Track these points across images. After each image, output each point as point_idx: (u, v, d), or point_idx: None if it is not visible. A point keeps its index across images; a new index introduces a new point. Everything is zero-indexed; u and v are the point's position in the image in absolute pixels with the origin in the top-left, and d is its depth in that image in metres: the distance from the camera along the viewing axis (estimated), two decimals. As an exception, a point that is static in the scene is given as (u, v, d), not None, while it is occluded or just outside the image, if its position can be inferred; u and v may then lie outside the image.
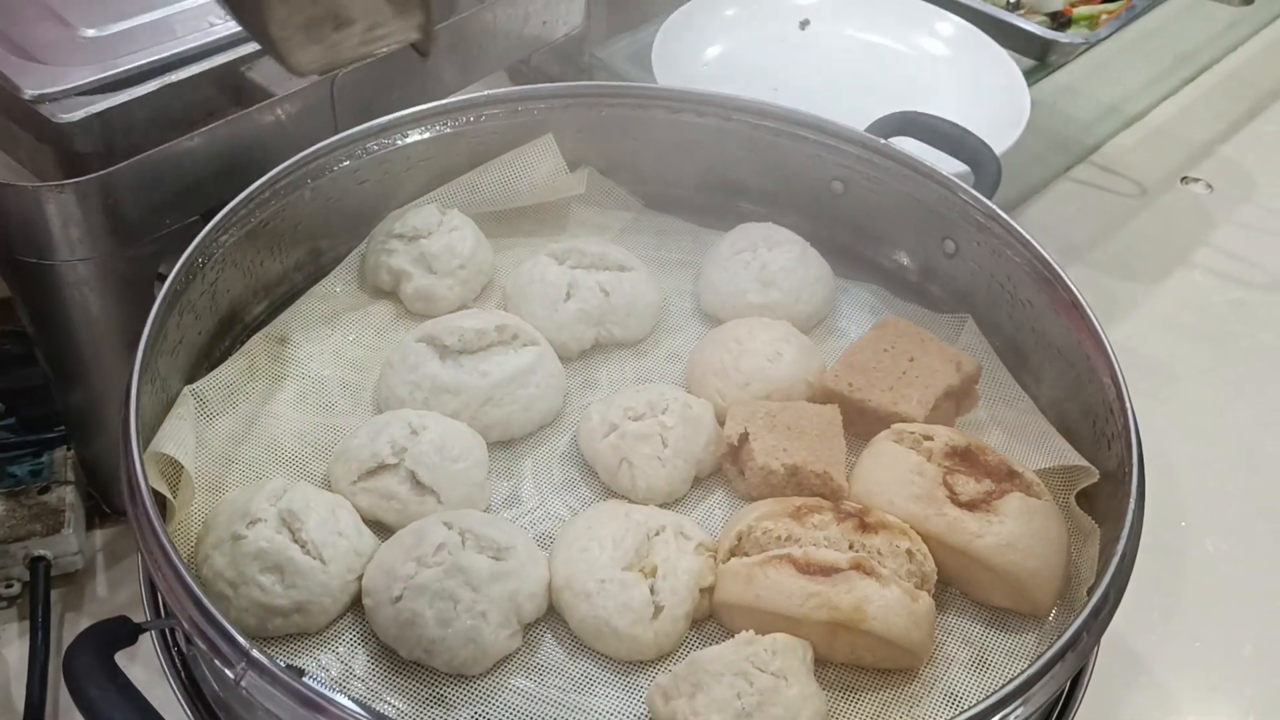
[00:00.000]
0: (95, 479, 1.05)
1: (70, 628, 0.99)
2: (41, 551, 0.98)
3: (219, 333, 0.94)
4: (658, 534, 0.81)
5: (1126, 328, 1.34)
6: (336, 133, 0.99)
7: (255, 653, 0.64)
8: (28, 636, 0.95)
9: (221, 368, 0.92)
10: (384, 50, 0.61)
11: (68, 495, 1.01)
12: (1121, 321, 1.35)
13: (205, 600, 0.66)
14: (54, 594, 0.98)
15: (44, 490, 1.01)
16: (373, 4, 0.55)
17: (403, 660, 0.77)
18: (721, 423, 0.90)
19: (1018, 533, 0.80)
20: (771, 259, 1.01)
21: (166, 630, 0.76)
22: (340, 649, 0.78)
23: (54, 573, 0.99)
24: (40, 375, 1.03)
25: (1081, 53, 1.40)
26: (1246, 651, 1.04)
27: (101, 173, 0.87)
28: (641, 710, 0.76)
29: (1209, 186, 1.56)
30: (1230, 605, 1.07)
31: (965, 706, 0.68)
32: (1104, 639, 1.00)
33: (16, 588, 0.98)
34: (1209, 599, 1.08)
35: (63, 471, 1.02)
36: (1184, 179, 1.57)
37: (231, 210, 0.90)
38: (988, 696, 0.66)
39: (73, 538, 0.99)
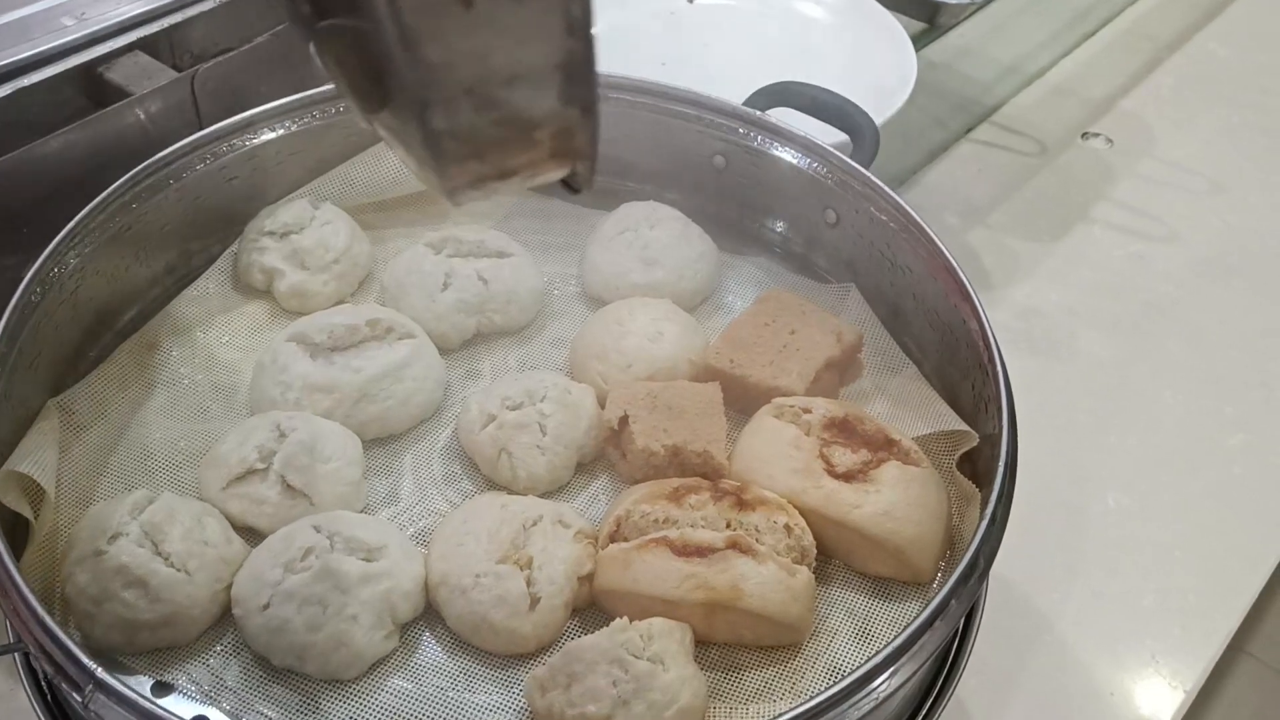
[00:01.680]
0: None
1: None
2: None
3: (84, 342, 0.91)
4: (535, 524, 0.80)
5: (1027, 287, 1.34)
6: (200, 129, 0.96)
7: (101, 674, 0.62)
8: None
9: (89, 378, 0.89)
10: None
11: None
12: (1023, 281, 1.35)
13: (49, 621, 0.64)
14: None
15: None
16: (536, 156, 0.54)
17: (275, 669, 0.76)
18: (604, 406, 0.89)
19: (894, 501, 0.79)
20: (654, 237, 1.00)
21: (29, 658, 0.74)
22: (212, 660, 0.76)
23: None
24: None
25: (972, 13, 1.40)
26: (1147, 602, 1.05)
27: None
28: (522, 704, 0.75)
29: (1109, 141, 1.56)
30: (1131, 558, 1.08)
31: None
32: (1006, 600, 1.00)
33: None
34: (1110, 554, 1.08)
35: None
36: (1084, 135, 1.57)
37: (86, 216, 0.88)
38: (864, 663, 0.66)
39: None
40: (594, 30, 0.51)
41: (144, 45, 1.00)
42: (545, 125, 0.53)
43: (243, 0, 1.05)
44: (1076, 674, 1.00)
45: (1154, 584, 1.06)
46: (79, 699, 0.62)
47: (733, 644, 0.78)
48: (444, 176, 0.53)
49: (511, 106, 0.51)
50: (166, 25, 1.02)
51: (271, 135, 0.99)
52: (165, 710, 0.61)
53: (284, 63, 1.04)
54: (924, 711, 0.79)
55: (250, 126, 0.98)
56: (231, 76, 1.00)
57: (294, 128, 1.00)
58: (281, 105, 0.99)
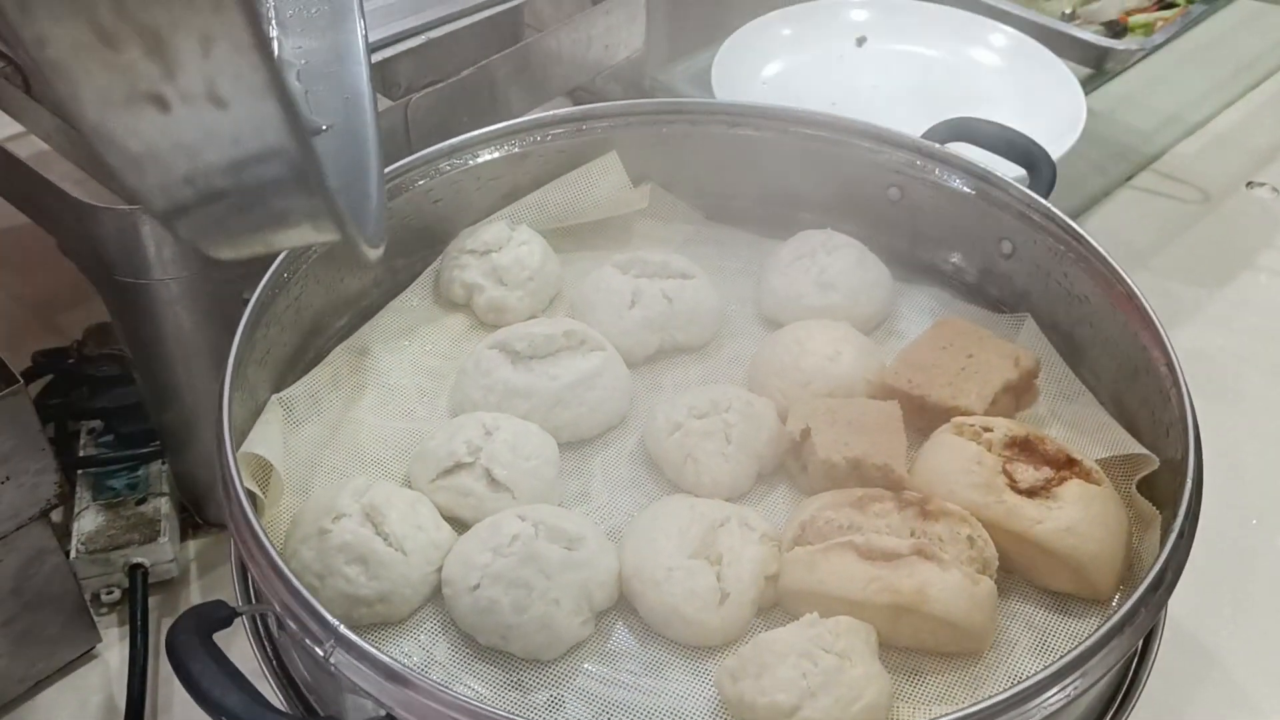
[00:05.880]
0: (188, 491, 1.11)
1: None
2: (139, 559, 1.03)
3: (303, 345, 0.99)
4: (722, 525, 0.83)
5: (1190, 330, 1.34)
6: (411, 154, 1.04)
7: (343, 630, 0.68)
8: (127, 640, 1.00)
9: (306, 377, 0.96)
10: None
11: (163, 506, 1.06)
12: (1186, 324, 1.35)
13: (294, 580, 0.70)
14: (151, 600, 1.03)
15: (140, 502, 1.06)
16: (290, 229, 0.54)
17: (481, 647, 0.81)
18: (783, 421, 0.93)
19: (1077, 518, 0.81)
20: (830, 263, 1.04)
21: (259, 621, 0.80)
22: (422, 637, 0.82)
23: (150, 580, 1.04)
24: (135, 394, 1.09)
25: (1138, 60, 1.41)
26: (1320, 646, 1.03)
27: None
28: (710, 692, 0.79)
29: (1275, 190, 1.56)
30: (1302, 601, 1.07)
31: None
32: (1174, 636, 1.00)
33: (116, 594, 1.04)
34: (1280, 595, 1.08)
35: (158, 484, 1.08)
36: (1249, 184, 1.57)
37: (313, 228, 0.95)
38: (1045, 668, 0.68)
39: (168, 546, 1.04)
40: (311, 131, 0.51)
41: (362, 77, 1.08)
42: (278, 206, 0.52)
43: (448, 38, 1.13)
44: (1245, 713, 0.99)
45: (1326, 628, 1.05)
46: (321, 653, 0.68)
47: (914, 649, 0.81)
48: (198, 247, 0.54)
49: (238, 193, 0.51)
50: (379, 59, 1.11)
51: (475, 161, 1.06)
52: (404, 665, 0.66)
53: (487, 94, 1.11)
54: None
55: (457, 152, 1.05)
56: (439, 106, 1.08)
57: (495, 154, 1.07)
58: (484, 134, 1.06)
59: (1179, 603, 0.99)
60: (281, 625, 0.72)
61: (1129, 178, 1.56)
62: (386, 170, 1.01)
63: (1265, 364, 1.30)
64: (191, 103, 0.47)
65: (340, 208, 0.54)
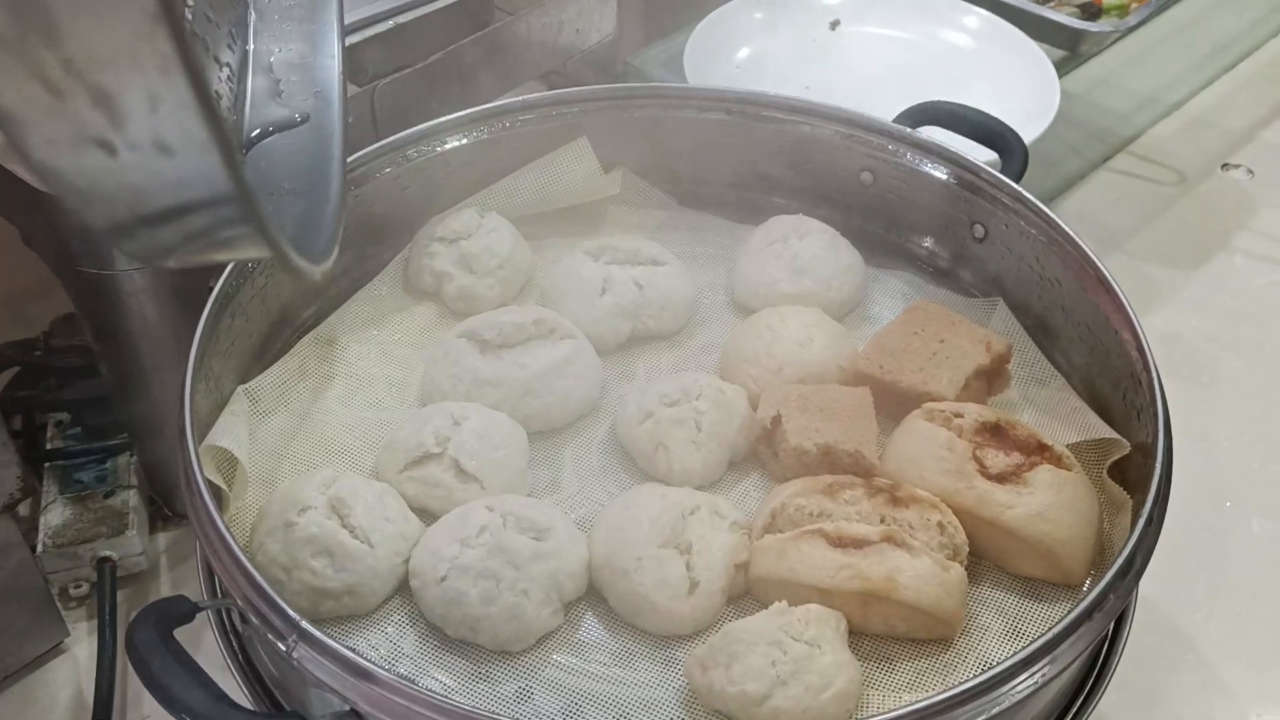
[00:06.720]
0: (157, 484, 1.09)
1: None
2: (107, 552, 1.02)
3: (270, 335, 0.98)
4: (692, 513, 0.83)
5: (1167, 313, 1.34)
6: (377, 141, 1.02)
7: (305, 624, 0.67)
8: (96, 634, 0.99)
9: (273, 368, 0.95)
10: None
11: (131, 499, 1.05)
12: (1162, 307, 1.35)
13: (257, 576, 0.69)
14: (120, 594, 1.02)
15: (109, 495, 1.05)
16: (232, 249, 0.56)
17: (449, 639, 0.80)
18: (755, 408, 0.92)
19: (1047, 503, 0.81)
20: (802, 248, 1.04)
21: (224, 616, 0.79)
22: (389, 629, 0.81)
23: (119, 573, 1.02)
24: (103, 385, 1.08)
25: (1113, 42, 1.41)
26: (1294, 627, 1.04)
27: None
28: (680, 682, 0.78)
29: (1250, 172, 1.55)
30: (1276, 583, 1.07)
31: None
32: (1149, 619, 1.00)
33: (85, 588, 1.03)
34: (1255, 578, 1.08)
35: (126, 477, 1.07)
36: (1224, 165, 1.56)
37: (278, 216, 0.94)
38: (1014, 655, 0.67)
39: (137, 539, 1.03)
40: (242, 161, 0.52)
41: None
42: (221, 235, 0.54)
43: (416, 23, 1.12)
44: (1220, 696, 0.99)
45: (1300, 610, 1.05)
46: (283, 648, 0.67)
47: (885, 636, 0.80)
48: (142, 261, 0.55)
49: (181, 225, 0.53)
50: (347, 44, 1.09)
51: (443, 147, 1.05)
52: (367, 659, 0.65)
53: (456, 80, 1.10)
54: (1069, 718, 0.80)
55: (424, 139, 1.04)
56: (406, 92, 1.07)
57: (464, 141, 1.06)
58: (452, 120, 1.05)
59: (1153, 586, 1.00)
60: (245, 620, 0.71)
61: (1106, 159, 1.55)
62: (351, 159, 1.00)
63: (1240, 346, 1.30)
64: (138, 150, 0.48)
65: (284, 245, 0.56)
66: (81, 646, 1.01)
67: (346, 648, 0.68)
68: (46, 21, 0.44)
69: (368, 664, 0.66)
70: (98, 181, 0.50)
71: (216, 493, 0.80)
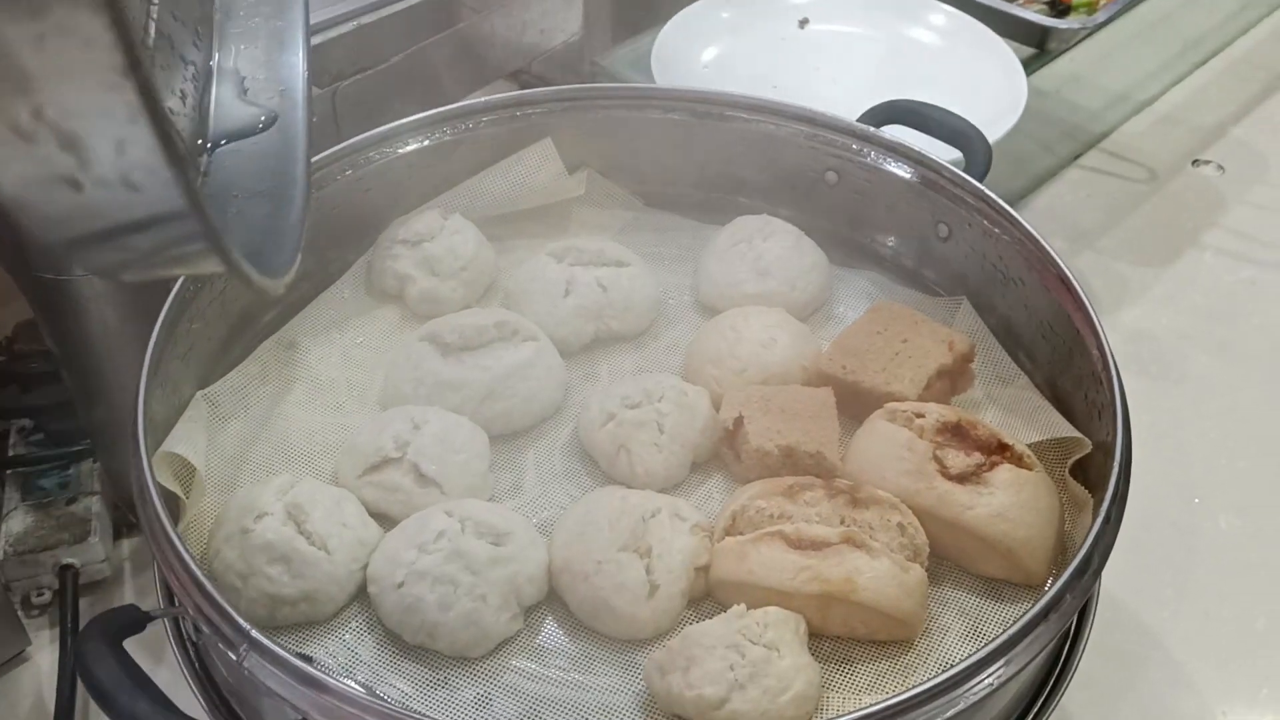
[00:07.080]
0: (121, 490, 1.08)
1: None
2: (70, 560, 1.01)
3: (230, 338, 0.97)
4: (653, 516, 0.82)
5: (1137, 311, 1.34)
6: (339, 143, 1.02)
7: (255, 634, 0.66)
8: (58, 643, 0.98)
9: (233, 372, 0.94)
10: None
11: (94, 505, 1.04)
12: (1132, 305, 1.35)
13: (208, 585, 0.68)
14: (83, 601, 1.01)
15: (71, 501, 1.04)
16: (191, 265, 0.59)
17: (407, 645, 0.79)
18: (718, 409, 0.92)
19: (1008, 503, 0.81)
20: (767, 249, 1.03)
21: (181, 625, 0.79)
22: (347, 636, 0.81)
23: (82, 580, 1.01)
24: (65, 391, 1.07)
25: (1081, 39, 1.41)
26: (1260, 625, 1.04)
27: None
28: (640, 687, 0.78)
29: (1220, 168, 1.56)
30: (1243, 580, 1.07)
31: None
32: (1115, 616, 1.00)
33: (47, 595, 1.02)
34: (1222, 575, 1.08)
35: (89, 483, 1.06)
36: (1195, 162, 1.57)
37: (237, 220, 0.93)
38: (972, 655, 0.67)
39: (99, 546, 1.02)
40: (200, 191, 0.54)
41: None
42: (180, 252, 0.56)
43: (378, 24, 1.11)
44: (1187, 693, 0.99)
45: (1266, 607, 1.05)
46: (234, 658, 0.66)
47: (845, 638, 0.80)
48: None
49: (140, 245, 0.55)
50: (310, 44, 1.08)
51: (405, 149, 1.04)
52: (312, 667, 0.65)
53: (418, 81, 1.09)
54: (1030, 716, 0.80)
55: (386, 140, 1.03)
56: (369, 93, 1.06)
57: (426, 142, 1.05)
58: (415, 121, 1.04)
59: (1120, 583, 1.00)
60: (198, 629, 0.71)
61: (1076, 157, 1.55)
62: (313, 160, 0.99)
63: (1209, 343, 1.30)
64: (104, 186, 0.51)
65: (243, 265, 0.58)
66: (44, 655, 1.00)
67: (301, 656, 0.68)
68: (19, 72, 0.47)
69: (318, 674, 0.65)
70: (62, 211, 0.52)
71: (172, 500, 0.79)
